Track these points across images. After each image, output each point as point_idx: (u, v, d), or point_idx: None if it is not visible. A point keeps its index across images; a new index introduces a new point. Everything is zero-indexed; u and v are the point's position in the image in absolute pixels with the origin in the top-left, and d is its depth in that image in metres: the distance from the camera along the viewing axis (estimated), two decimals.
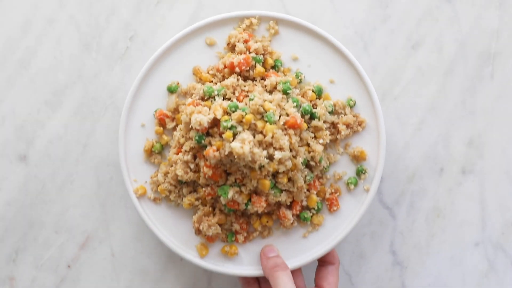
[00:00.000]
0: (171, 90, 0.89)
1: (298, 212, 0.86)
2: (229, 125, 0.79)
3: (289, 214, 0.85)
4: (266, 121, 0.80)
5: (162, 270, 0.97)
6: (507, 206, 0.97)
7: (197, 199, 0.86)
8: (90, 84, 0.96)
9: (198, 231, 0.86)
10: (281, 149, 0.79)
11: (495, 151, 0.97)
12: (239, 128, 0.79)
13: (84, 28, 0.96)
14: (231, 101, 0.84)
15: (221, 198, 0.82)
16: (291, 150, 0.81)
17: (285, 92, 0.84)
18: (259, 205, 0.82)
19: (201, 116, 0.79)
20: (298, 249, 0.87)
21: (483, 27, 0.97)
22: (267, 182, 0.81)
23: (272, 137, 0.79)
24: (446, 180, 0.97)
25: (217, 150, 0.79)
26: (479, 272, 0.97)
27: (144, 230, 0.97)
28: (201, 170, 0.82)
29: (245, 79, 0.88)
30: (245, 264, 0.87)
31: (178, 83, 0.89)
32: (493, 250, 0.97)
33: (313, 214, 0.87)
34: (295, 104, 0.83)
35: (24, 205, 0.97)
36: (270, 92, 0.86)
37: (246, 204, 0.83)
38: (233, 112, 0.80)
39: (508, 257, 0.97)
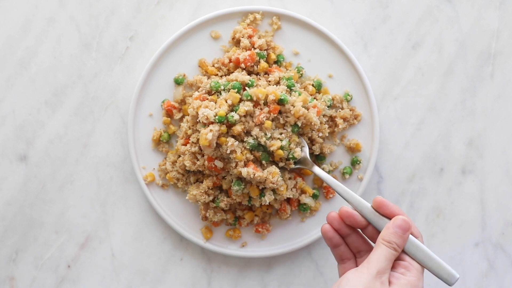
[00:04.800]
0: (178, 82, 0.93)
1: (296, 208, 0.93)
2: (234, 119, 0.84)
3: (288, 209, 0.92)
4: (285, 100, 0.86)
5: (162, 270, 0.97)
6: (507, 206, 0.97)
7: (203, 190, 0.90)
8: (90, 84, 0.96)
9: (205, 218, 0.91)
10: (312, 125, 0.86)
11: (495, 151, 0.97)
12: (236, 116, 0.84)
13: (84, 28, 0.96)
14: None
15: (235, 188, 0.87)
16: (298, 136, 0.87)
17: (289, 88, 0.89)
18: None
19: (208, 111, 0.83)
20: (296, 232, 0.94)
21: (483, 27, 0.97)
22: (256, 190, 0.87)
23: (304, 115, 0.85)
24: (446, 180, 0.97)
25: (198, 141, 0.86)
26: (479, 272, 0.97)
27: (144, 230, 0.97)
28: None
29: (249, 73, 0.92)
30: (248, 246, 0.94)
31: (184, 75, 0.94)
32: (493, 250, 0.97)
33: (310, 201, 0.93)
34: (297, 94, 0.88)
35: (24, 205, 0.97)
36: None
37: (249, 201, 0.89)
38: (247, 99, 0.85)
39: (508, 257, 0.97)
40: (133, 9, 0.96)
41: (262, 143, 0.84)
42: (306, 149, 0.87)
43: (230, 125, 0.84)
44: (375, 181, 0.97)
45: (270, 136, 0.84)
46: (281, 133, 0.85)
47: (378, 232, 0.79)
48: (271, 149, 0.84)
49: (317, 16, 0.96)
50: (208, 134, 0.83)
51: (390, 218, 0.78)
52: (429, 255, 0.76)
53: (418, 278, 0.74)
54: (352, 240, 0.81)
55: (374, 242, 0.80)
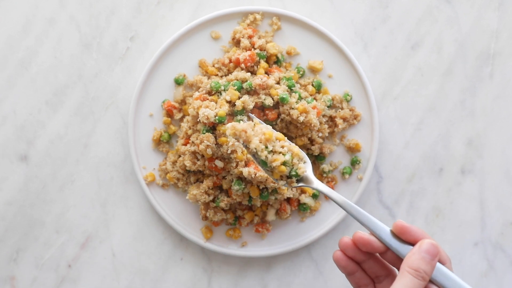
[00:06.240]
0: (178, 82, 0.93)
1: (295, 208, 0.93)
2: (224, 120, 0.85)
3: (288, 208, 0.92)
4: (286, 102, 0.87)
5: (162, 270, 0.97)
6: (507, 206, 0.97)
7: (203, 189, 0.89)
8: (91, 84, 0.97)
9: (205, 218, 0.91)
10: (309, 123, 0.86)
11: (495, 151, 0.97)
12: (245, 118, 0.85)
13: (84, 28, 0.96)
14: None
15: (235, 187, 0.87)
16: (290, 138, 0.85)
17: (289, 88, 0.89)
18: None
19: (208, 111, 0.84)
20: (296, 232, 0.94)
21: (483, 27, 0.97)
22: (257, 190, 0.88)
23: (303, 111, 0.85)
24: (446, 180, 0.97)
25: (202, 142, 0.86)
26: (478, 272, 0.97)
27: (145, 230, 0.97)
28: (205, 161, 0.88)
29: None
30: (248, 245, 0.94)
31: (184, 75, 0.94)
32: (492, 250, 0.97)
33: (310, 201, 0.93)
34: (297, 95, 0.89)
35: (24, 205, 0.97)
36: None
37: (249, 200, 0.90)
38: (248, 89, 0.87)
39: (507, 257, 0.97)
40: (133, 9, 0.96)
41: (263, 158, 0.76)
42: (309, 165, 0.79)
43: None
44: (374, 181, 0.97)
45: (272, 150, 0.77)
46: (282, 146, 0.78)
47: (399, 257, 0.70)
48: (273, 164, 0.76)
49: (317, 16, 0.96)
50: (200, 146, 0.85)
51: (413, 245, 0.68)
52: (460, 285, 0.67)
53: None
54: (369, 265, 0.72)
55: (395, 267, 0.72)
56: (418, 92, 0.97)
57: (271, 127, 0.80)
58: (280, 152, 0.77)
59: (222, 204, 0.89)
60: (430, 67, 0.97)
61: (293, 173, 0.77)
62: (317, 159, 0.94)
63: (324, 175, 0.94)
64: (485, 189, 0.97)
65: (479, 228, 0.97)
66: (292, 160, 0.77)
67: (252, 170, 0.83)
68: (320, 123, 0.91)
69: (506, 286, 0.97)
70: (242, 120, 0.86)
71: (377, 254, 0.73)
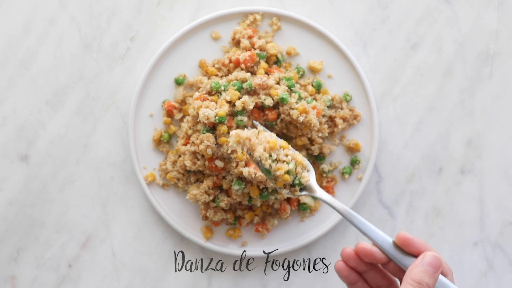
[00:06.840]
0: (178, 82, 0.94)
1: (295, 208, 0.94)
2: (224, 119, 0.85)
3: (288, 208, 0.92)
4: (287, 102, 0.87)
5: (162, 269, 0.97)
6: (506, 206, 0.97)
7: (204, 189, 0.90)
8: (91, 84, 0.97)
9: (205, 217, 0.91)
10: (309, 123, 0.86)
11: (494, 151, 0.97)
12: (245, 119, 0.86)
13: (85, 28, 0.97)
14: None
15: (235, 187, 0.87)
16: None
17: (289, 88, 0.89)
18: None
19: (209, 111, 0.84)
20: (296, 232, 0.95)
21: (482, 27, 0.97)
22: (257, 190, 0.88)
23: (303, 112, 0.85)
24: (445, 180, 0.97)
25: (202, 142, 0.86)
26: (477, 271, 0.98)
27: (145, 230, 0.97)
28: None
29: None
30: (248, 245, 0.94)
31: (185, 75, 0.94)
32: (491, 249, 0.97)
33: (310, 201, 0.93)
34: (297, 95, 0.88)
35: (25, 204, 0.97)
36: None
37: (249, 200, 0.90)
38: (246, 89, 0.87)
39: (506, 256, 0.98)
40: (133, 9, 0.97)
41: (267, 166, 0.76)
42: (313, 174, 0.78)
43: (231, 126, 0.85)
44: (374, 181, 0.97)
45: (276, 158, 0.77)
46: (286, 155, 0.77)
47: (401, 268, 0.70)
48: (277, 173, 0.76)
49: (317, 17, 0.96)
50: (201, 146, 0.85)
51: (415, 256, 0.69)
52: None
53: None
54: (371, 276, 0.73)
55: (397, 278, 0.72)
56: (418, 92, 0.97)
57: (275, 135, 0.79)
58: (284, 161, 0.77)
59: (222, 204, 0.89)
60: (429, 67, 0.97)
61: (297, 181, 0.77)
62: (317, 159, 0.94)
63: (324, 175, 0.94)
64: (484, 189, 0.97)
65: (478, 228, 0.97)
66: (295, 168, 0.77)
67: (252, 170, 0.83)
68: (320, 123, 0.91)
69: (505, 286, 0.97)
70: (242, 120, 0.86)
71: (379, 265, 0.73)
